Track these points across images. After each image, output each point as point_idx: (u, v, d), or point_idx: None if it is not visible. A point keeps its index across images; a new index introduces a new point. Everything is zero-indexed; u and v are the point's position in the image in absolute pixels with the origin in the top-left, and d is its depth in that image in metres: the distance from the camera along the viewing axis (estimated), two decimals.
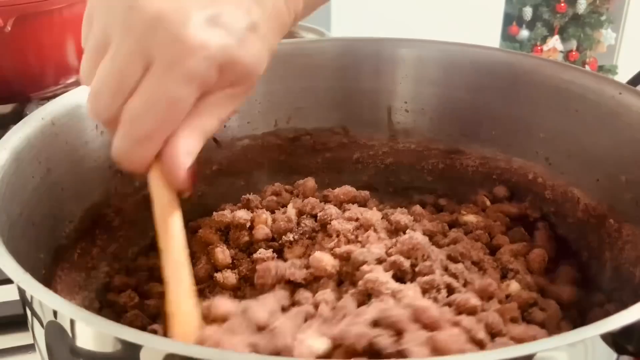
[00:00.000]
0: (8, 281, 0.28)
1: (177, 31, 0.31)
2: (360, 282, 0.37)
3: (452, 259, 0.42)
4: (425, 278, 0.38)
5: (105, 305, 0.43)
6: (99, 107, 0.33)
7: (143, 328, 0.39)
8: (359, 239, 0.42)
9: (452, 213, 0.51)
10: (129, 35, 0.32)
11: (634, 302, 0.28)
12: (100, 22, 0.33)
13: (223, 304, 0.34)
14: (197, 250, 0.45)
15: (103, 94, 0.33)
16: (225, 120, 0.36)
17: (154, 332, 0.37)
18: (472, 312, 0.36)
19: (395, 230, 0.43)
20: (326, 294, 0.38)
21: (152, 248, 0.48)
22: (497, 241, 0.47)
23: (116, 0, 0.32)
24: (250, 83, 0.35)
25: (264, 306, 0.34)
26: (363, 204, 0.49)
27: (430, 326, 0.33)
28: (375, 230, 0.42)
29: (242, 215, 0.45)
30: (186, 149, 0.34)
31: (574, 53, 2.80)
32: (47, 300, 0.27)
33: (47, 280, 0.39)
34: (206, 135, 0.34)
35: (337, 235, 0.42)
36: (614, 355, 0.27)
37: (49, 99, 0.43)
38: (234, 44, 0.33)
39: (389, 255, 0.40)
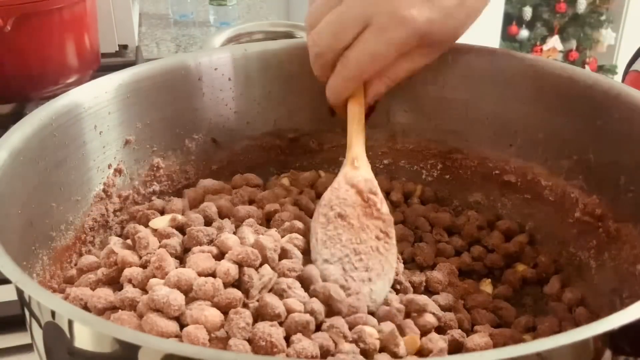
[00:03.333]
0: (7, 281, 0.28)
1: (394, 5, 0.42)
2: None
3: None
4: None
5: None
6: (319, 40, 0.46)
7: None
8: None
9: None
10: (361, 1, 0.43)
11: (633, 302, 0.28)
12: None
13: None
14: None
15: (325, 33, 0.45)
16: (414, 72, 0.47)
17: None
18: None
19: None
20: None
21: None
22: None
23: None
24: (445, 47, 0.48)
25: None
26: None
27: None
28: None
29: None
30: (375, 92, 0.48)
31: (573, 53, 2.80)
32: (45, 301, 0.27)
33: (46, 280, 0.39)
34: (393, 83, 0.47)
35: None
36: (611, 355, 0.27)
37: (48, 98, 0.43)
38: (439, 19, 0.43)
39: None
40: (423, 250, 0.48)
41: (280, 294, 0.37)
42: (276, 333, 0.34)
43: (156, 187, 0.49)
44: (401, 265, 0.44)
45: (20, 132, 0.39)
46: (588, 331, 0.26)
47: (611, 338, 0.26)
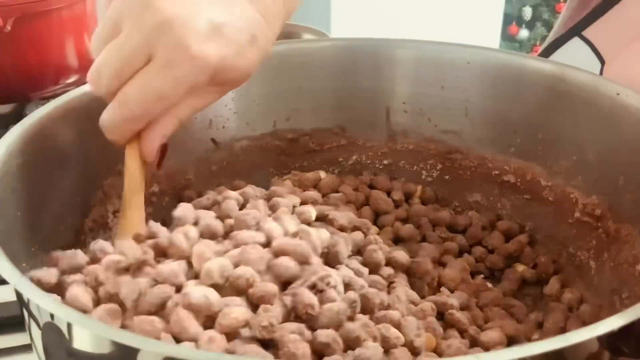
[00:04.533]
0: (6, 282, 0.28)
1: (181, 38, 0.36)
2: None
3: None
4: None
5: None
6: (99, 82, 0.38)
7: None
8: None
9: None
10: (139, 30, 0.36)
11: (632, 303, 0.28)
12: (116, 8, 0.37)
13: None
14: None
15: (105, 72, 0.37)
16: (200, 109, 0.41)
17: None
18: None
19: None
20: None
21: None
22: None
23: None
24: (237, 85, 0.41)
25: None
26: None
27: None
28: None
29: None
30: (161, 133, 0.39)
31: None
32: (44, 303, 0.27)
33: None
34: (181, 122, 0.40)
35: None
36: (610, 356, 0.27)
37: (48, 99, 0.43)
38: (231, 55, 0.38)
39: None
40: (426, 249, 0.48)
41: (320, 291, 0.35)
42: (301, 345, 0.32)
43: (156, 187, 0.49)
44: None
45: (20, 132, 0.39)
46: (587, 333, 0.26)
47: (610, 339, 0.26)
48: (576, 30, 0.64)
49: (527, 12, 2.77)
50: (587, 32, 0.64)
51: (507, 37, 2.79)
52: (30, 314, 0.29)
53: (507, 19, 2.75)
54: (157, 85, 0.37)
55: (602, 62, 0.62)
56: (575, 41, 0.65)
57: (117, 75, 0.37)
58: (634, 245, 0.42)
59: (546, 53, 0.67)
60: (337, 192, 0.52)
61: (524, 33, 2.81)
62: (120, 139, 0.39)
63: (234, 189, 0.51)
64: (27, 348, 0.45)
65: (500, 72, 0.51)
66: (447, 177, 0.54)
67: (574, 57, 0.63)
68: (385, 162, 0.56)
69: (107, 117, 0.38)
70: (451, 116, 0.53)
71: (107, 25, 0.38)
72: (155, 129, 0.39)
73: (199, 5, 0.36)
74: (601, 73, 0.60)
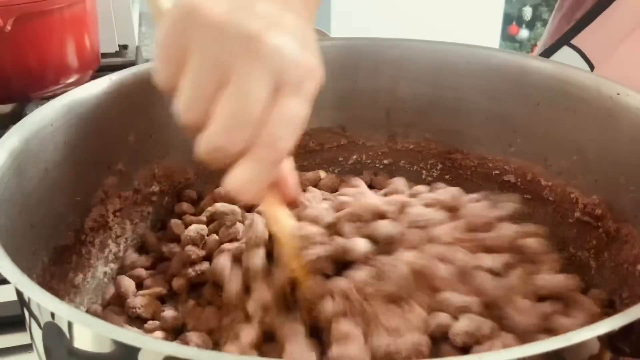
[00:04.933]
0: (6, 281, 0.28)
1: (294, 57, 0.33)
2: None
3: None
4: None
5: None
6: (233, 139, 0.33)
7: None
8: None
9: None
10: (257, 72, 0.32)
11: (633, 302, 0.28)
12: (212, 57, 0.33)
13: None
14: None
15: (237, 128, 0.33)
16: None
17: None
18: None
19: None
20: None
21: (144, 250, 0.48)
22: None
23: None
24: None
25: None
26: None
27: None
28: None
29: None
30: (292, 167, 0.38)
31: None
32: (44, 302, 0.27)
33: (46, 281, 0.39)
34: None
35: None
36: (611, 356, 0.27)
37: (48, 99, 0.43)
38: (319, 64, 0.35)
39: None
40: None
41: None
42: None
43: (156, 187, 0.49)
44: None
45: (20, 132, 0.39)
46: (588, 333, 0.26)
47: (611, 339, 0.26)
48: (565, 39, 0.67)
49: (527, 12, 2.78)
50: (575, 41, 0.66)
51: (507, 37, 2.80)
52: (31, 313, 0.29)
53: (507, 19, 2.76)
54: (296, 111, 0.34)
55: (592, 67, 0.65)
56: (565, 50, 0.67)
57: (251, 122, 0.33)
58: (634, 245, 0.42)
59: None
60: (337, 191, 0.52)
61: (524, 33, 2.81)
62: (257, 195, 0.35)
63: None
64: (27, 348, 0.45)
65: (500, 72, 0.51)
66: (447, 176, 0.54)
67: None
68: (386, 161, 0.56)
69: (249, 171, 0.33)
70: (451, 116, 0.53)
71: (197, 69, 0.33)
72: (286, 172, 0.37)
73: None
74: None
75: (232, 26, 0.32)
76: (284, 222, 0.38)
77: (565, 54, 0.67)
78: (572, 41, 0.66)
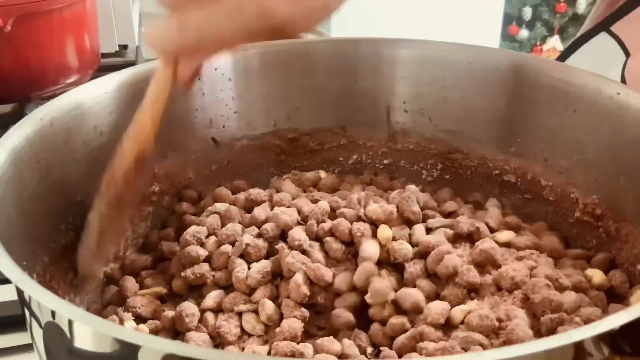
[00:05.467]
0: (6, 281, 0.28)
1: None
2: None
3: None
4: None
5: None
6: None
7: None
8: None
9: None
10: None
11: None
12: None
13: None
14: None
15: None
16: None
17: None
18: None
19: None
20: None
21: (145, 249, 0.48)
22: None
23: None
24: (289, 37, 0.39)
25: None
26: None
27: None
28: None
29: None
30: (203, 60, 0.40)
31: None
32: (45, 301, 0.27)
33: (46, 280, 0.39)
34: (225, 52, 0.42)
35: None
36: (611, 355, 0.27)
37: (48, 98, 0.43)
38: (300, 17, 0.35)
39: None
40: None
41: None
42: None
43: (156, 187, 0.49)
44: None
45: (21, 132, 0.39)
46: (588, 331, 0.26)
47: (611, 338, 0.26)
48: (604, 25, 0.67)
49: (527, 12, 2.78)
50: (614, 28, 0.66)
51: (507, 37, 2.80)
52: (32, 313, 0.29)
53: (507, 19, 2.75)
54: (220, 25, 0.35)
55: (627, 54, 0.65)
56: (603, 36, 0.67)
57: None
58: (634, 244, 0.42)
59: (574, 47, 0.70)
60: (337, 191, 0.52)
61: (524, 33, 2.81)
62: (162, 56, 0.39)
63: (234, 188, 0.51)
64: (28, 347, 0.45)
65: (500, 72, 0.51)
66: (447, 176, 0.54)
67: (600, 49, 0.67)
68: (386, 161, 0.56)
69: (159, 33, 0.36)
70: (451, 116, 0.53)
71: None
72: (198, 57, 0.39)
73: None
74: (624, 65, 0.62)
75: None
76: (160, 85, 0.40)
77: (602, 40, 0.67)
78: (612, 28, 0.67)
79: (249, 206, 0.48)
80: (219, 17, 0.35)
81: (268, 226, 0.44)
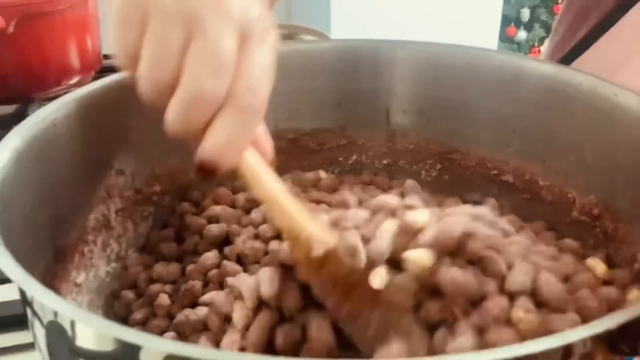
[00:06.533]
0: (8, 280, 0.28)
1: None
2: None
3: None
4: None
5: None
6: (218, 82, 0.32)
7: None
8: None
9: None
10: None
11: None
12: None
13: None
14: None
15: (220, 70, 0.31)
16: None
17: None
18: None
19: None
20: None
21: (147, 250, 0.48)
22: None
23: None
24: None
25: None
26: None
27: None
28: None
29: None
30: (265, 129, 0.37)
31: None
32: (47, 301, 0.27)
33: (48, 280, 0.39)
34: None
35: None
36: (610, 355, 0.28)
37: (51, 99, 0.43)
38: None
39: None
40: None
41: None
42: None
43: (157, 187, 0.50)
44: None
45: (23, 133, 0.39)
46: (586, 331, 0.26)
47: (609, 338, 0.27)
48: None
49: (525, 14, 2.78)
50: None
51: (506, 39, 2.80)
52: (34, 312, 0.29)
53: (506, 21, 2.76)
54: (269, 58, 0.33)
55: None
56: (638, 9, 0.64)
57: (230, 67, 0.32)
58: (632, 244, 0.42)
59: (602, 29, 0.67)
60: (336, 191, 0.52)
61: (522, 34, 2.81)
62: (237, 157, 0.34)
63: (235, 189, 0.51)
64: (29, 347, 0.45)
65: (499, 73, 0.51)
66: (446, 176, 0.55)
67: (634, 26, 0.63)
68: (385, 161, 0.56)
69: (222, 137, 0.32)
70: (450, 116, 0.53)
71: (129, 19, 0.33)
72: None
73: None
74: None
75: None
76: (272, 184, 0.35)
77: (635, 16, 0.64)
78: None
79: (249, 207, 0.48)
80: (255, 53, 0.33)
81: (266, 227, 0.44)
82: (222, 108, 0.32)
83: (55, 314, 0.27)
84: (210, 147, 0.32)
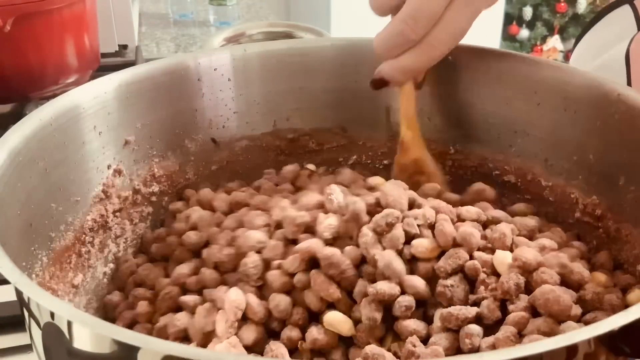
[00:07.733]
0: (5, 282, 0.28)
1: None
2: None
3: None
4: None
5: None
6: (416, 27, 0.43)
7: None
8: None
9: None
10: None
11: None
12: None
13: None
14: None
15: (422, 17, 0.42)
16: None
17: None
18: None
19: None
20: None
21: (143, 250, 0.48)
22: None
23: None
24: None
25: None
26: None
27: None
28: None
29: None
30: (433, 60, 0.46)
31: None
32: (44, 302, 0.27)
33: (45, 281, 0.39)
34: None
35: None
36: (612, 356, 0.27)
37: (48, 98, 0.43)
38: None
39: None
40: None
41: None
42: None
43: (155, 187, 0.49)
44: None
45: (20, 132, 0.39)
46: (588, 332, 0.26)
47: (611, 339, 0.26)
48: None
49: (528, 12, 2.78)
50: (637, 1, 0.68)
51: (508, 37, 2.80)
52: (30, 313, 0.29)
53: (508, 19, 2.76)
54: (462, 24, 0.43)
55: (639, 29, 0.66)
56: (624, 8, 0.70)
57: (432, 19, 0.42)
58: (634, 245, 0.42)
59: (596, 18, 0.73)
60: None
61: (524, 33, 2.81)
62: (409, 77, 0.47)
63: (229, 190, 0.51)
64: (27, 348, 0.45)
65: (501, 72, 0.51)
66: (447, 176, 0.54)
67: (617, 21, 0.69)
68: (385, 162, 0.56)
69: (412, 61, 0.45)
70: (451, 116, 0.53)
71: None
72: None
73: None
74: (632, 39, 0.63)
75: None
76: (410, 106, 0.50)
77: (622, 12, 0.69)
78: (635, 1, 0.67)
79: (228, 210, 0.48)
80: (458, 17, 0.43)
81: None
82: (416, 45, 0.44)
83: (52, 315, 0.27)
84: (391, 68, 0.46)
